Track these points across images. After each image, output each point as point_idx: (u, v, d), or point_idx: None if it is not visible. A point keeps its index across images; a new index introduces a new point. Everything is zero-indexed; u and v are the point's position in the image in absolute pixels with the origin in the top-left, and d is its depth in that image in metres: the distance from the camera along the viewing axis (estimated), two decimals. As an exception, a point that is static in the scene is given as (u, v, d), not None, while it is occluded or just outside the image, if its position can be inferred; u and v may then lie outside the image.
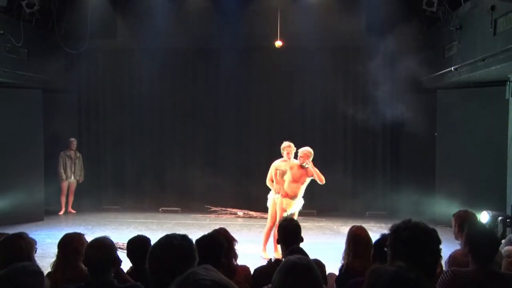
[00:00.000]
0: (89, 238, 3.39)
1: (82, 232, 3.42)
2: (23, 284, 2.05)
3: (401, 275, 1.57)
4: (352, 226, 3.83)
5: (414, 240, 2.08)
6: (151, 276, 2.06)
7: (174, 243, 2.07)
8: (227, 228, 3.72)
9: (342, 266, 3.68)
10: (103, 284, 2.66)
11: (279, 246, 6.78)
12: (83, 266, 2.98)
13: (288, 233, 3.66)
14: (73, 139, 10.19)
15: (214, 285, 1.29)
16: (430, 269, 2.12)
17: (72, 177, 10.11)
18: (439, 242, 2.18)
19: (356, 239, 3.60)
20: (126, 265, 3.34)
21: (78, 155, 10.22)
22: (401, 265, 1.64)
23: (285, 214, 6.47)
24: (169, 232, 2.19)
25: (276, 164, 6.88)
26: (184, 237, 2.13)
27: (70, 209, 10.21)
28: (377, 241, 3.18)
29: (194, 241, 2.88)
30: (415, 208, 8.80)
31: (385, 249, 2.21)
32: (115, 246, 2.87)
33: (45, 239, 7.45)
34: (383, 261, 2.26)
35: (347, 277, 3.34)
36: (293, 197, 6.64)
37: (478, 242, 2.86)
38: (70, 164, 10.06)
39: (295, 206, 6.73)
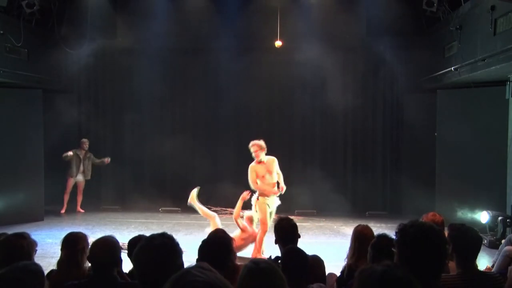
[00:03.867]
0: (89, 238, 3.39)
1: (82, 232, 3.42)
2: (24, 282, 2.05)
3: (389, 273, 1.58)
4: (358, 225, 3.76)
5: (420, 239, 2.10)
6: (139, 279, 2.07)
7: (156, 243, 2.08)
8: (227, 228, 3.72)
9: (345, 267, 3.63)
10: (106, 279, 2.68)
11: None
12: (87, 264, 3.00)
13: (286, 233, 3.64)
14: (85, 140, 10.20)
15: (207, 286, 1.26)
16: (436, 269, 2.13)
17: (80, 177, 10.10)
18: (446, 242, 2.19)
19: (361, 238, 3.53)
20: (126, 265, 3.34)
21: (88, 155, 10.19)
22: (388, 264, 1.65)
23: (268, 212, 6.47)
24: (169, 232, 2.20)
25: (255, 166, 6.71)
26: (164, 235, 2.15)
27: (78, 208, 10.17)
28: (374, 243, 3.14)
29: (200, 243, 2.88)
30: (415, 208, 8.80)
31: (393, 249, 2.22)
32: (119, 245, 2.89)
33: (45, 239, 7.46)
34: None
35: (349, 278, 3.32)
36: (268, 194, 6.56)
37: (463, 242, 2.86)
38: (78, 163, 10.04)
39: (275, 203, 6.65)
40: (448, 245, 2.88)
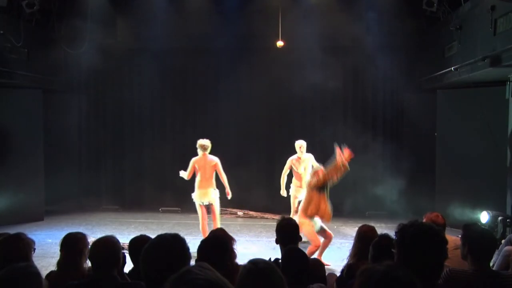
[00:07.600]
0: (89, 238, 3.39)
1: (82, 232, 3.41)
2: (20, 284, 2.05)
3: (390, 273, 1.57)
4: (363, 225, 3.71)
5: (419, 239, 2.09)
6: (145, 277, 2.07)
7: (166, 244, 2.07)
8: (227, 228, 3.72)
9: (345, 266, 3.63)
10: (106, 280, 2.67)
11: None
12: (87, 265, 3.00)
13: (287, 233, 3.63)
14: None
15: (208, 284, 1.27)
16: (436, 269, 2.12)
17: None
18: (445, 242, 2.19)
19: (365, 240, 3.47)
20: (127, 265, 3.34)
21: None
22: (390, 264, 1.64)
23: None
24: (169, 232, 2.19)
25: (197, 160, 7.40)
26: (176, 236, 2.14)
27: None
28: (375, 242, 3.13)
29: (199, 243, 2.88)
30: (415, 208, 8.80)
31: (392, 250, 2.22)
32: (120, 245, 2.89)
33: (45, 239, 7.47)
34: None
35: (349, 278, 3.32)
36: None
37: (479, 243, 2.86)
38: None
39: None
40: (462, 246, 2.89)
